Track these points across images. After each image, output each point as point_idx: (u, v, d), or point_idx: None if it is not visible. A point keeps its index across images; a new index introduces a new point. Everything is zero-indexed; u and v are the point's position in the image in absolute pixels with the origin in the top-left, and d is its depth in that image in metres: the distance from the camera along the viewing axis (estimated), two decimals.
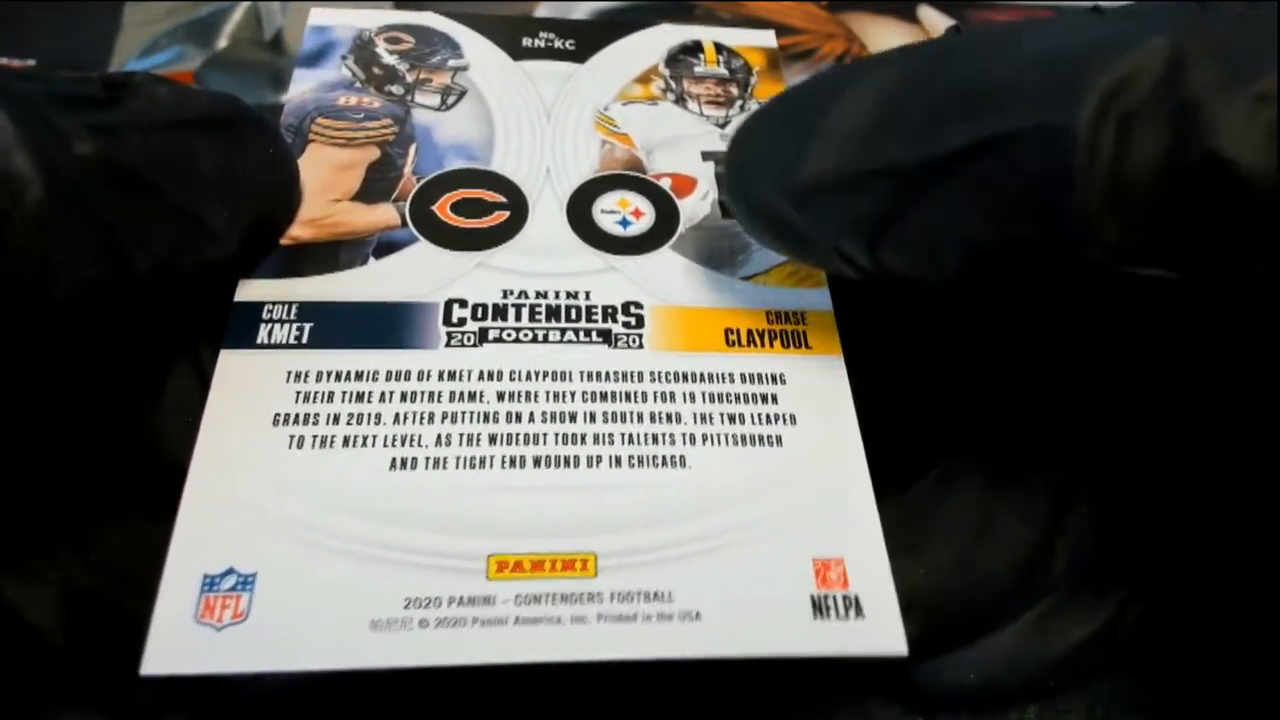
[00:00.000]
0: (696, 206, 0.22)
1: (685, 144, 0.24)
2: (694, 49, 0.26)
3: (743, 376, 0.19)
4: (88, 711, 0.17)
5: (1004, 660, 0.19)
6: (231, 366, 0.18)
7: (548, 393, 0.19)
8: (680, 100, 0.25)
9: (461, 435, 0.18)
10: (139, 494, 0.18)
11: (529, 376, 0.19)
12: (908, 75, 0.17)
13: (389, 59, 0.24)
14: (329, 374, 0.18)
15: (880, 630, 0.16)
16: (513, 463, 0.18)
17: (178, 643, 0.15)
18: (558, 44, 0.26)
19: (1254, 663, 0.20)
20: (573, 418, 0.18)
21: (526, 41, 0.25)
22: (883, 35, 0.35)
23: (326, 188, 0.21)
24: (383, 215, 0.21)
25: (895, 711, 0.20)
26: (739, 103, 0.25)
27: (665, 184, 0.22)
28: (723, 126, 0.24)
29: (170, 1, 0.32)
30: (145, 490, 0.18)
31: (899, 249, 0.16)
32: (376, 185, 0.22)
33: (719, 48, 0.26)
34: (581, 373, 0.19)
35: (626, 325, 0.20)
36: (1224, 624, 0.20)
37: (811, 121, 0.17)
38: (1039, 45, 0.15)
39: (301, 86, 0.23)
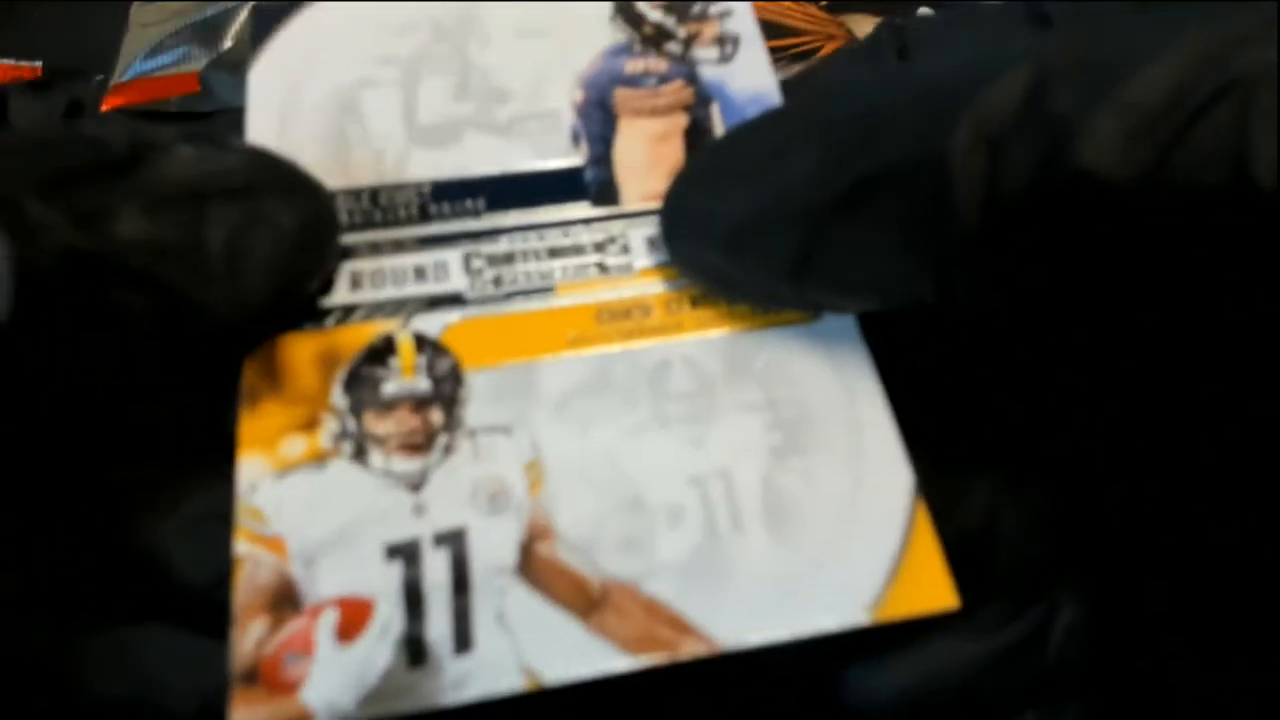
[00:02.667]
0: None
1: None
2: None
3: None
4: None
5: (932, 667, 0.19)
6: None
7: None
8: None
9: None
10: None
11: None
12: (806, 120, 0.18)
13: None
14: None
15: None
16: None
17: None
18: None
19: (1213, 671, 0.20)
20: None
21: None
22: None
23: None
24: None
25: None
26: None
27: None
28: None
29: (176, 2, 0.32)
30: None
31: (821, 285, 0.17)
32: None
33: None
34: None
35: None
36: (1176, 633, 0.20)
37: (727, 174, 0.19)
38: (919, 79, 0.16)
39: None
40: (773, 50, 0.34)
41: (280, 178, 0.19)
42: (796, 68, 0.33)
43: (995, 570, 0.19)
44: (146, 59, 0.30)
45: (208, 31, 0.30)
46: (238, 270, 0.17)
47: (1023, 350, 0.19)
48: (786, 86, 0.23)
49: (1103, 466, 0.20)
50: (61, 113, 0.17)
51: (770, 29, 0.36)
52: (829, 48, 0.34)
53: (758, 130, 0.19)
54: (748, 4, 0.25)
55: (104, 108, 0.30)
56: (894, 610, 0.18)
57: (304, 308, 0.20)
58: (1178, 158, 0.13)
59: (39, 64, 0.31)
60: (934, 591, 0.18)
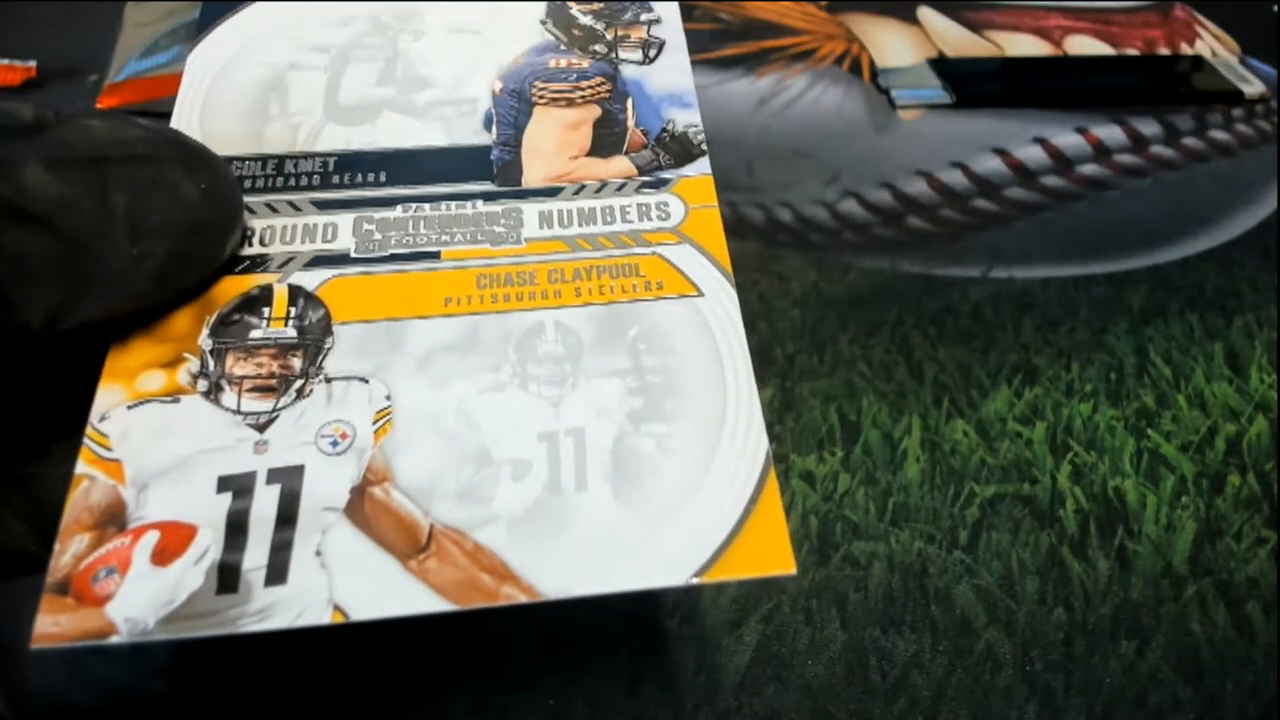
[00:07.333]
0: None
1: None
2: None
3: None
4: None
5: None
6: None
7: None
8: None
9: None
10: None
11: None
12: None
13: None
14: None
15: None
16: None
17: None
18: None
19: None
20: None
21: None
22: (882, 35, 0.35)
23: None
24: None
25: None
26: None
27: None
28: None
29: (170, 2, 0.33)
30: None
31: None
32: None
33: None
34: None
35: None
36: None
37: None
38: None
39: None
40: (772, 50, 0.35)
41: (183, 150, 0.19)
42: (797, 67, 0.33)
43: None
44: (141, 59, 0.32)
45: None
46: (139, 230, 0.18)
47: None
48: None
49: None
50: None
51: (769, 29, 0.36)
52: (827, 47, 0.34)
53: None
54: (675, 11, 0.26)
55: (99, 108, 0.31)
56: (726, 572, 0.17)
57: (212, 277, 0.20)
58: None
59: (33, 64, 0.33)
60: (772, 557, 0.17)
